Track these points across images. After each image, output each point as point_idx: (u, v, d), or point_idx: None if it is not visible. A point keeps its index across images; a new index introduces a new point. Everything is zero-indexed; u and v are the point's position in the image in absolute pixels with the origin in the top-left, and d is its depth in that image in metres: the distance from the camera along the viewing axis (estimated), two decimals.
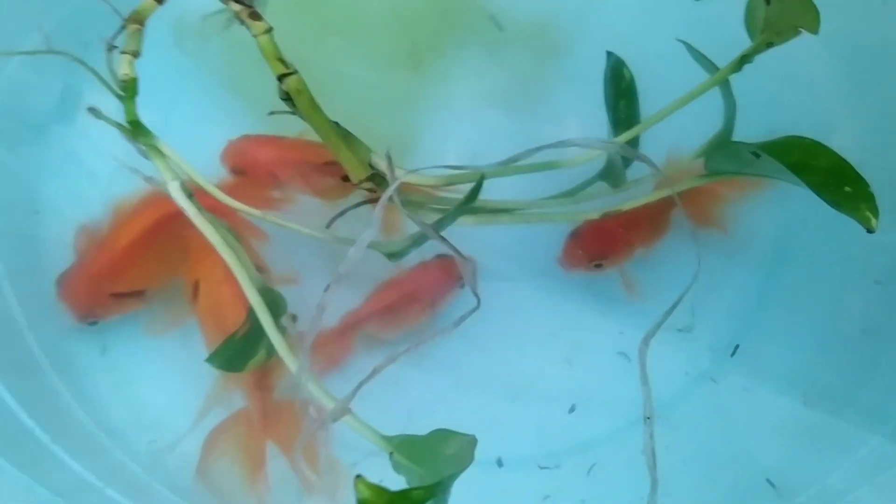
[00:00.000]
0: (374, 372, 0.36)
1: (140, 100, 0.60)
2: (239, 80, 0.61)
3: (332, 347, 0.52)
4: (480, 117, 0.63)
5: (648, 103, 0.54)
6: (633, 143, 0.53)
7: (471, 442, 0.36)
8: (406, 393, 0.53)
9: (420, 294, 0.54)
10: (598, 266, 0.53)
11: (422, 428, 0.40)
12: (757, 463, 0.53)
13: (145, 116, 0.50)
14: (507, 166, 0.47)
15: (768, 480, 0.52)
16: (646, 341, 0.39)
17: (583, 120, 0.62)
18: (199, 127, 0.62)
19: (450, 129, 0.62)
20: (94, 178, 0.59)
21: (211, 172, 0.55)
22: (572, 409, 0.55)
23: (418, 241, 0.45)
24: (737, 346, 0.56)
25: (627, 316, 0.56)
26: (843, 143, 0.60)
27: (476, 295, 0.38)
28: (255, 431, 0.48)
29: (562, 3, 0.66)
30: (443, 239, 0.40)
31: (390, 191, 0.39)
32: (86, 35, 0.44)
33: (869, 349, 0.55)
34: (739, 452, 0.53)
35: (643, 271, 0.57)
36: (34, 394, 0.50)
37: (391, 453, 0.38)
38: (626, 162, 0.53)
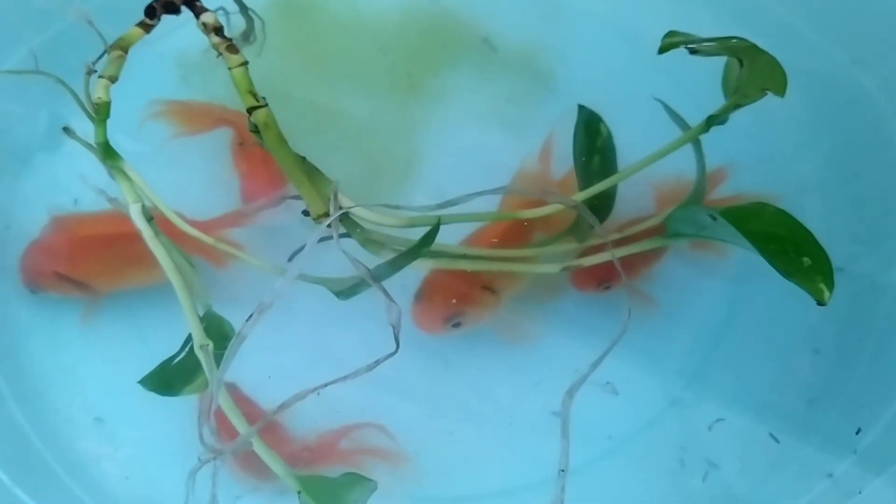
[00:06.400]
0: (281, 407, 0.36)
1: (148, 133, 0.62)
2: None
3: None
4: (477, 136, 0.63)
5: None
6: (609, 193, 0.52)
7: (371, 488, 0.35)
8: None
9: None
10: (608, 287, 0.55)
11: None
12: None
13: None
14: (466, 213, 0.47)
15: None
16: (570, 394, 0.37)
17: None
18: (206, 159, 0.63)
19: (449, 150, 0.63)
20: (77, 206, 0.60)
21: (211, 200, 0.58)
22: None
23: (369, 278, 0.45)
24: None
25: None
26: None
27: (397, 340, 0.37)
28: None
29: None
30: (375, 281, 0.39)
31: (324, 225, 0.40)
32: (72, 60, 0.46)
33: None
34: None
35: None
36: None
37: (299, 492, 0.37)
38: (601, 215, 0.52)
